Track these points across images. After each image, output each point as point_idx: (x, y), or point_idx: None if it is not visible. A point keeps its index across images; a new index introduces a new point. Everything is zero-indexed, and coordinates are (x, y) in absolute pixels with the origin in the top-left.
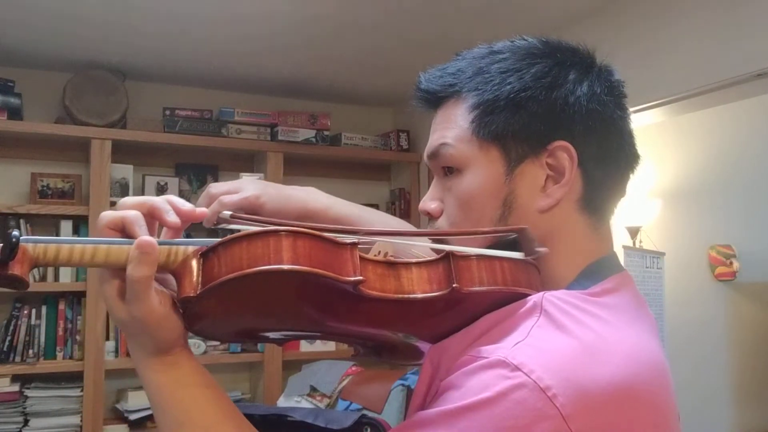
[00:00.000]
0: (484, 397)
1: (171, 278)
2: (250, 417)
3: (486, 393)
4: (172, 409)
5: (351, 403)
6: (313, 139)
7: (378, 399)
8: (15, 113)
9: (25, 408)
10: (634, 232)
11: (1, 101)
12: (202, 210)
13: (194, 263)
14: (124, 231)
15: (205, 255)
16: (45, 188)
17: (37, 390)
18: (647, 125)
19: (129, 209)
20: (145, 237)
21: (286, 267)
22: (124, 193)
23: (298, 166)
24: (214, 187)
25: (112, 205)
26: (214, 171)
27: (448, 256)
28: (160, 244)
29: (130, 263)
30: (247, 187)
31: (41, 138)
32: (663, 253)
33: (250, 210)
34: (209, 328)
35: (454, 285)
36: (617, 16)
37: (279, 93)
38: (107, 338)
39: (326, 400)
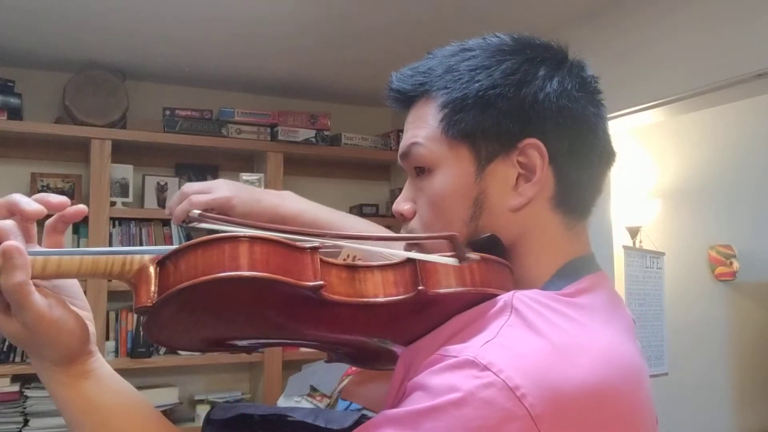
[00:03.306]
0: (452, 398)
1: (64, 284)
2: (249, 417)
3: (454, 394)
4: (89, 423)
5: (351, 403)
6: (313, 139)
7: (378, 399)
8: (15, 113)
9: (25, 408)
10: (634, 232)
11: (1, 101)
12: (59, 198)
13: (151, 271)
14: None
15: (162, 263)
16: (45, 188)
17: (37, 390)
18: (647, 125)
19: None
20: (7, 242)
21: (241, 273)
22: (124, 193)
23: (298, 166)
24: (187, 186)
25: (113, 205)
26: (214, 171)
27: (414, 259)
28: (116, 253)
29: (1, 273)
30: (220, 188)
31: (41, 138)
32: (663, 253)
33: (220, 211)
34: (173, 338)
35: (419, 288)
36: (618, 16)
37: (279, 93)
38: (107, 338)
39: (326, 400)
